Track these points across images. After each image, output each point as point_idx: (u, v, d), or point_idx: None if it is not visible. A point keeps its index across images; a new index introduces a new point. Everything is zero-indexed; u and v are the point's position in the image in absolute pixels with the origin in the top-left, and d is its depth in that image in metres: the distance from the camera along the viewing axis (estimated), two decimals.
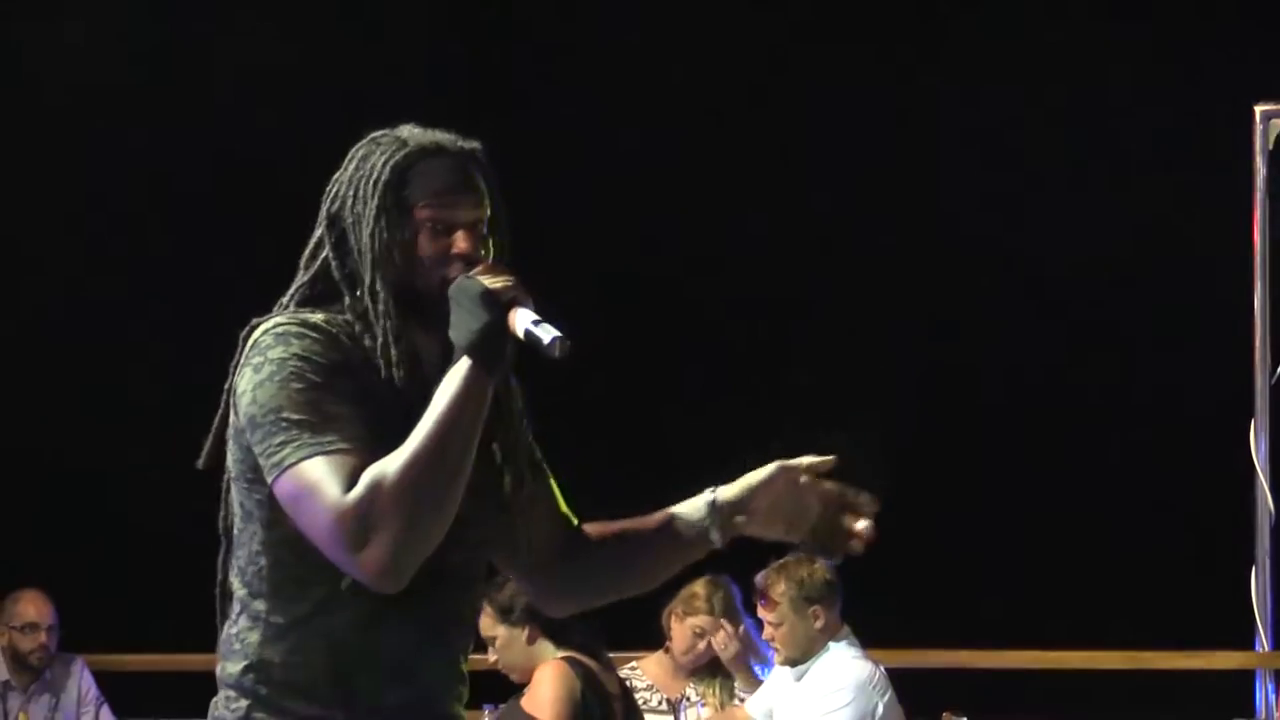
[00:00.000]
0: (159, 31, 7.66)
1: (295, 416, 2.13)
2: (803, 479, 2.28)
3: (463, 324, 2.13)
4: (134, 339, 7.69)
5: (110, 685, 6.36)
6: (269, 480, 2.15)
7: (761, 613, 5.00)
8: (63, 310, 7.80)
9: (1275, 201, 6.26)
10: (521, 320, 2.11)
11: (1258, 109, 6.23)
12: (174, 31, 7.69)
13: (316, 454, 2.11)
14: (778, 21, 7.86)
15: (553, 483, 2.40)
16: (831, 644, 4.94)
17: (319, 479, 2.10)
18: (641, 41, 7.84)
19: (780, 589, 4.92)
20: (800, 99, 7.90)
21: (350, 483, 2.09)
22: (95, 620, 6.68)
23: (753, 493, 2.30)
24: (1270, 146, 6.17)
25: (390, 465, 2.10)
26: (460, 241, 2.21)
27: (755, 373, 7.85)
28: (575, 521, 2.40)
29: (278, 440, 2.13)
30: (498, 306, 2.12)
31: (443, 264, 2.21)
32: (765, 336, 7.89)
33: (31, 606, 6.07)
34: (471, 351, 2.13)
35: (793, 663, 4.97)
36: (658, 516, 2.36)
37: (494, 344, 2.13)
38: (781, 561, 4.98)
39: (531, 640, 4.46)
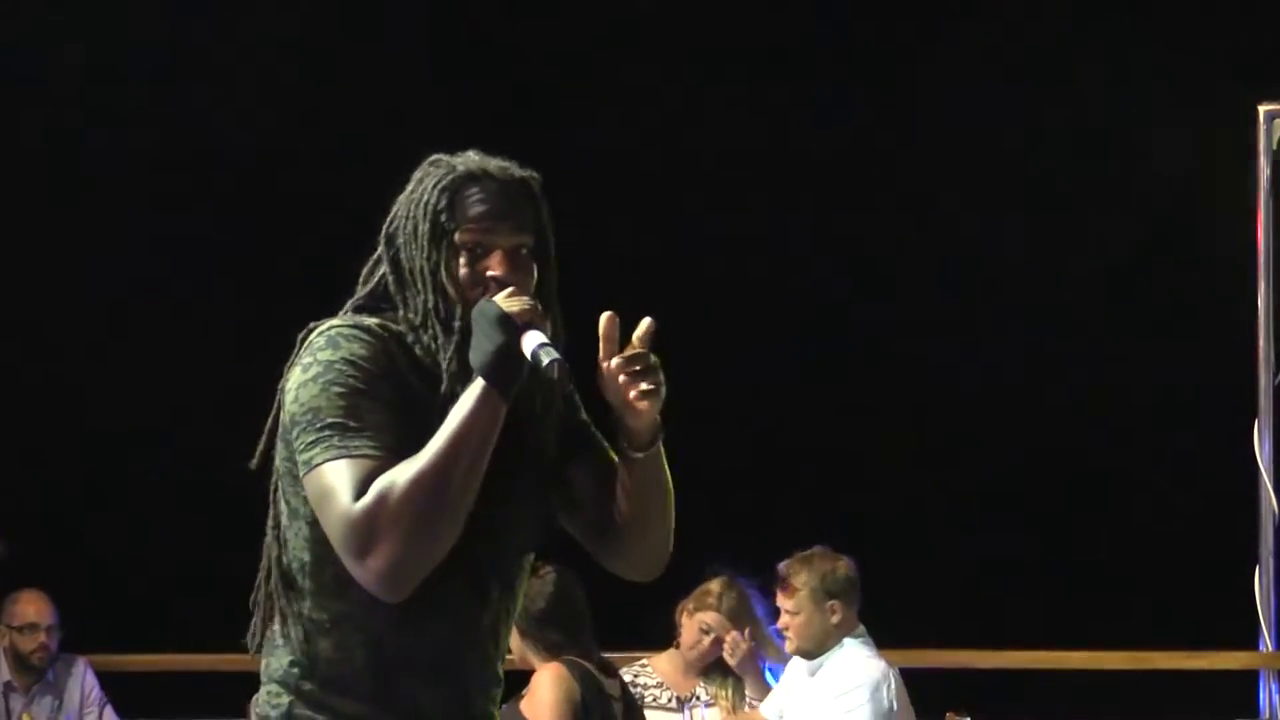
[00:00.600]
0: (160, 31, 7.66)
1: (331, 419, 2.19)
2: (609, 365, 2.24)
3: (478, 346, 2.19)
4: (135, 339, 7.69)
5: (112, 685, 6.35)
6: (302, 477, 2.21)
7: (780, 600, 5.01)
8: (62, 310, 7.79)
9: (1279, 202, 6.26)
10: (529, 342, 2.17)
11: (1262, 109, 6.22)
12: (174, 33, 7.70)
13: (341, 457, 2.17)
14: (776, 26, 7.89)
15: (608, 450, 2.42)
16: (846, 641, 4.94)
17: (336, 483, 2.16)
18: (644, 46, 7.85)
19: (802, 579, 4.93)
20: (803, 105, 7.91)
21: (363, 490, 2.14)
22: (96, 620, 6.68)
23: (609, 404, 2.29)
24: (1275, 147, 6.16)
25: (399, 477, 2.14)
26: (495, 265, 2.26)
27: (758, 379, 7.85)
28: None
29: (310, 439, 2.19)
30: (512, 329, 2.17)
31: (478, 287, 2.26)
32: (767, 339, 7.89)
33: (31, 607, 6.07)
34: (484, 373, 2.18)
35: (804, 654, 4.97)
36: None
37: (505, 366, 2.17)
38: (808, 553, 5.00)
39: (522, 640, 4.48)
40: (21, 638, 6.03)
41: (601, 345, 2.23)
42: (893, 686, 4.92)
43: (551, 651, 4.44)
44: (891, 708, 4.88)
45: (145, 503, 7.50)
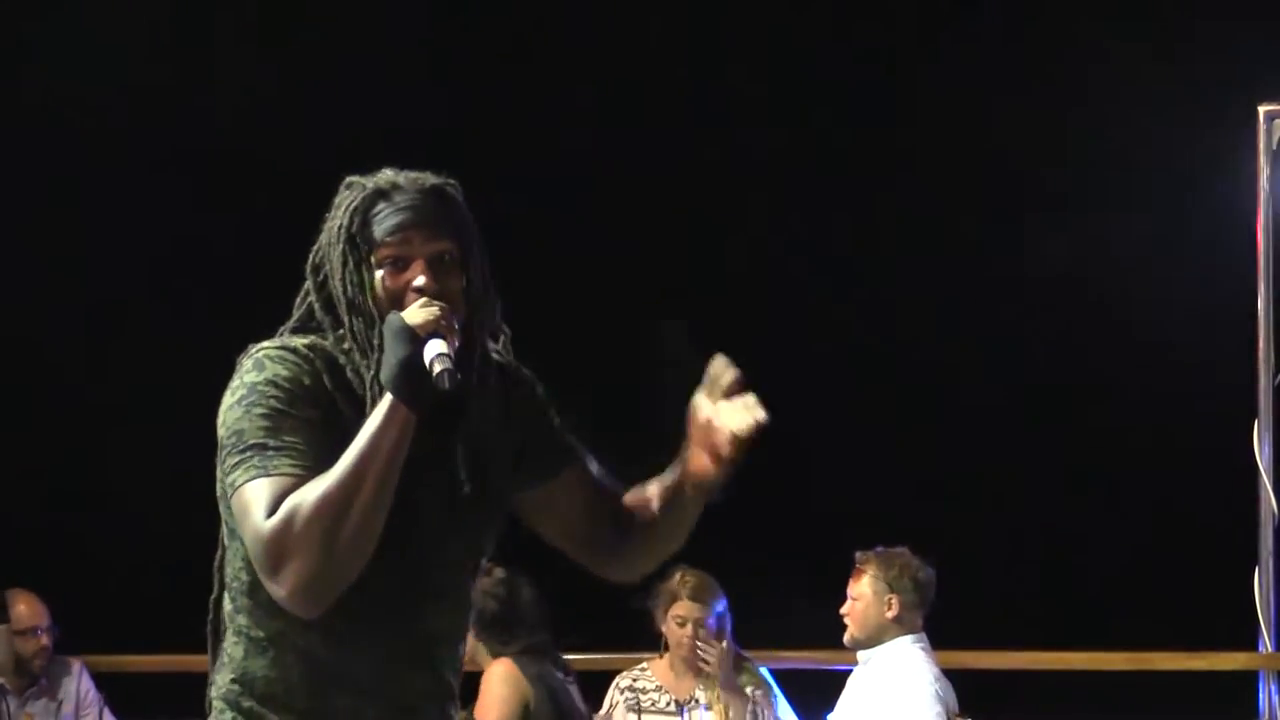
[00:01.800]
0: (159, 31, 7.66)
1: (252, 440, 2.20)
2: (709, 407, 2.26)
3: (385, 361, 2.20)
4: (134, 339, 7.69)
5: (110, 686, 6.34)
6: (228, 498, 2.23)
7: (850, 585, 5.07)
8: (61, 309, 7.79)
9: (1279, 202, 6.25)
10: (430, 352, 2.16)
11: (1262, 109, 6.22)
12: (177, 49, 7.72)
13: (259, 476, 2.17)
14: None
15: (586, 463, 2.45)
16: (902, 639, 5.00)
17: (252, 501, 2.17)
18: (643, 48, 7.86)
19: (871, 568, 5.05)
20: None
21: (275, 507, 2.15)
22: (94, 621, 6.67)
23: (690, 442, 2.30)
24: (1274, 147, 6.16)
25: (308, 495, 2.15)
26: (416, 275, 2.26)
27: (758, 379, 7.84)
28: (614, 492, 2.45)
29: (233, 462, 2.21)
30: (414, 341, 2.17)
31: (402, 299, 2.25)
32: (769, 341, 7.89)
33: (29, 609, 6.05)
34: (389, 387, 2.18)
35: (856, 643, 5.06)
36: (664, 484, 2.39)
37: (408, 379, 2.17)
38: (887, 550, 5.07)
39: (474, 642, 4.50)
40: (24, 641, 6.01)
41: (708, 386, 2.25)
42: (944, 684, 4.98)
43: (501, 651, 4.47)
44: (945, 698, 4.94)
45: (144, 502, 7.49)
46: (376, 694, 2.27)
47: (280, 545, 2.14)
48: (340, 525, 2.14)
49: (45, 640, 6.04)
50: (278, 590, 2.17)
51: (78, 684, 6.15)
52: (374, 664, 2.26)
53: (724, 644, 5.22)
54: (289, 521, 2.14)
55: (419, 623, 2.29)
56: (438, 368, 2.14)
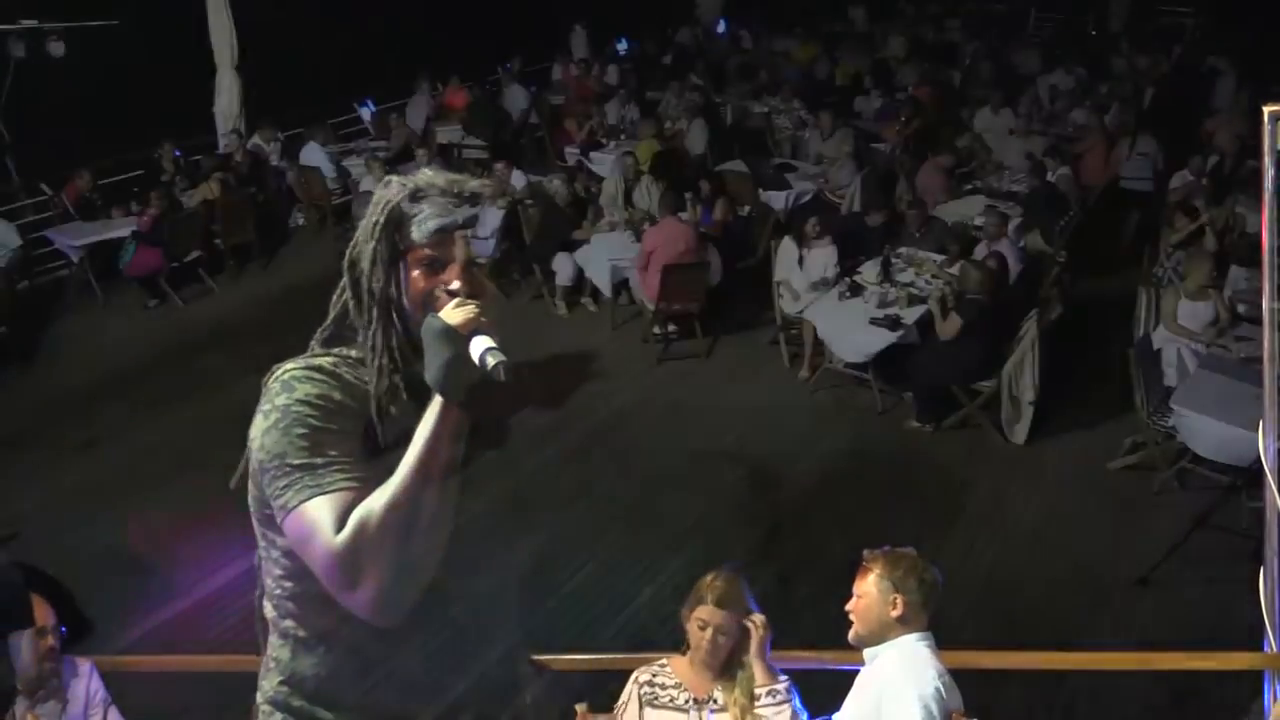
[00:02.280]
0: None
1: (297, 461, 2.24)
2: None
3: (431, 362, 2.24)
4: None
5: (117, 686, 6.35)
6: (279, 522, 2.27)
7: (856, 583, 5.13)
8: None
9: None
10: (476, 348, 2.21)
11: (1267, 110, 6.22)
12: None
13: (315, 495, 2.22)
14: None
15: None
16: (905, 636, 5.03)
17: (315, 521, 2.21)
18: None
19: (878, 567, 5.09)
20: None
21: (342, 523, 2.20)
22: (96, 620, 6.68)
23: None
24: (1277, 147, 6.16)
25: (374, 505, 2.19)
26: (452, 278, 2.32)
27: None
28: None
29: (281, 484, 2.25)
30: (458, 340, 2.22)
31: (434, 300, 2.31)
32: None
33: (35, 610, 6.02)
34: (439, 388, 2.23)
35: (860, 640, 5.09)
36: None
37: (458, 378, 2.22)
38: (895, 549, 5.10)
39: None
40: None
41: None
42: (947, 682, 4.99)
43: None
44: (941, 692, 4.96)
45: (144, 502, 7.51)
46: (422, 686, 2.31)
47: (356, 558, 2.17)
48: (411, 529, 2.17)
49: (51, 641, 6.04)
50: (356, 603, 2.19)
51: (86, 685, 6.14)
52: (422, 657, 2.30)
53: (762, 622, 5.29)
54: (361, 533, 2.17)
55: (464, 617, 2.34)
56: (491, 361, 2.18)
